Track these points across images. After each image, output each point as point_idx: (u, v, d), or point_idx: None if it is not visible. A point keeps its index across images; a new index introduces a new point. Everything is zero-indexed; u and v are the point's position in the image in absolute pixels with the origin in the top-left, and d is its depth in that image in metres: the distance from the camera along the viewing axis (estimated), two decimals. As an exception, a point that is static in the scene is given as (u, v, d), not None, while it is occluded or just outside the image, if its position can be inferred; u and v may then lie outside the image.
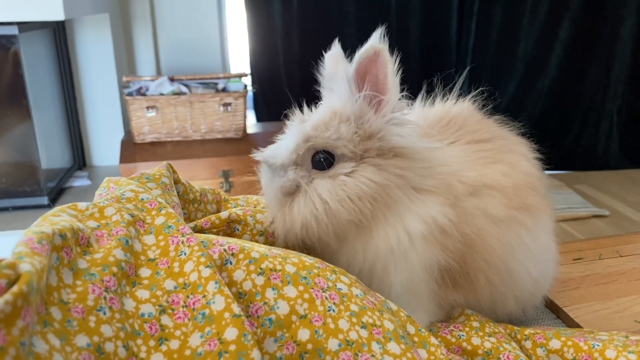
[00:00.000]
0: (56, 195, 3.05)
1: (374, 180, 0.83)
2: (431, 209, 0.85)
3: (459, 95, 1.04)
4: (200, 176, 3.04)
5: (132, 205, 0.74)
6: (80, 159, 3.58)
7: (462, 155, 0.94)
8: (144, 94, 3.15)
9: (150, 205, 0.75)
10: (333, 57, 0.93)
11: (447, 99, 1.04)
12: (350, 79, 0.85)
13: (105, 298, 0.58)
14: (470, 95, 1.04)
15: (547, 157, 1.03)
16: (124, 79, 3.24)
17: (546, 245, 0.98)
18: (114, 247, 0.64)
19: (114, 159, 3.51)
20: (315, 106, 0.92)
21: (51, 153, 3.18)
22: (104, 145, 3.61)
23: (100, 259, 0.62)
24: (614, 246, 1.40)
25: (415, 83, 0.95)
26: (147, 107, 3.15)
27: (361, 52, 0.82)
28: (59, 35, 3.28)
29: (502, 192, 0.90)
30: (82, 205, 0.72)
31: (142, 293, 0.63)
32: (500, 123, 1.04)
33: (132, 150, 3.18)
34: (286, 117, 0.94)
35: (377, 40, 0.82)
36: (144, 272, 0.66)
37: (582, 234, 3.08)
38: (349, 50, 0.89)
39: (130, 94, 3.15)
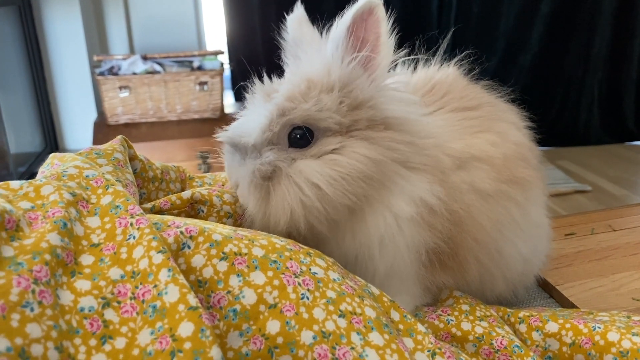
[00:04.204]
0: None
1: (368, 156, 0.73)
2: (420, 188, 0.77)
3: (443, 60, 0.95)
4: (177, 158, 2.94)
5: (75, 183, 0.65)
6: (52, 142, 3.45)
7: (447, 125, 0.85)
8: (116, 74, 3.03)
9: (96, 182, 0.66)
10: (296, 21, 0.83)
11: (431, 64, 0.95)
12: (340, 39, 0.74)
13: (33, 291, 0.49)
14: (455, 60, 0.95)
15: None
16: (95, 57, 3.11)
17: (537, 221, 0.91)
18: (49, 230, 0.55)
19: (87, 142, 3.39)
20: (279, 76, 0.82)
21: (20, 137, 3.05)
22: (77, 128, 3.49)
23: (31, 246, 0.53)
24: (606, 220, 1.34)
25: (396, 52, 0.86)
26: (120, 87, 3.03)
27: (355, 8, 0.72)
28: (24, 12, 3.13)
29: (490, 165, 0.82)
30: (15, 183, 0.63)
31: (82, 284, 0.54)
32: (489, 89, 0.95)
33: (106, 132, 3.06)
34: (244, 89, 0.83)
35: None
36: (86, 259, 0.57)
37: (565, 209, 3.05)
38: (327, 25, 0.79)
39: (101, 74, 3.02)
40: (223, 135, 0.79)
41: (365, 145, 0.74)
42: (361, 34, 0.74)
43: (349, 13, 0.73)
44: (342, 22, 0.74)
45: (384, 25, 0.74)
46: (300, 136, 0.75)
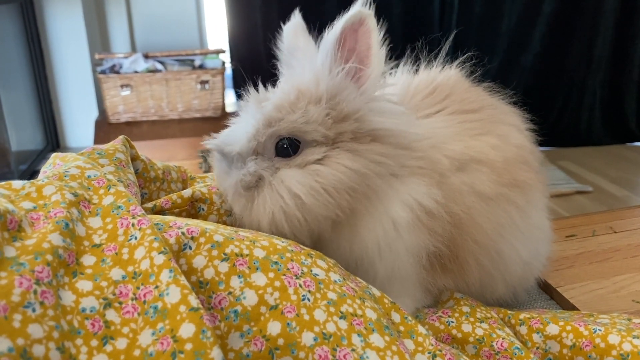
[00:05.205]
0: (29, 179, 2.92)
1: (351, 168, 0.73)
2: (415, 192, 0.77)
3: (445, 62, 0.95)
4: (178, 157, 2.94)
5: (77, 184, 0.65)
6: (53, 140, 3.46)
7: (447, 127, 0.85)
8: (117, 72, 3.03)
9: (98, 183, 0.66)
10: (292, 30, 0.83)
11: (433, 66, 0.95)
12: (330, 50, 0.74)
13: (35, 292, 0.49)
14: (457, 62, 0.95)
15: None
16: (97, 56, 3.11)
17: (538, 224, 0.91)
18: (51, 231, 0.55)
19: (88, 140, 3.39)
20: (273, 85, 0.82)
21: (22, 135, 3.06)
22: (78, 126, 3.49)
23: (33, 246, 0.53)
24: (607, 222, 1.34)
25: (398, 53, 0.86)
26: (121, 86, 3.03)
27: (345, 19, 0.72)
28: (26, 10, 3.13)
29: (491, 167, 0.82)
30: (17, 183, 0.63)
31: (84, 284, 0.54)
32: (490, 91, 0.95)
33: (107, 130, 3.07)
34: (240, 97, 0.83)
35: (362, 6, 0.72)
36: (87, 259, 0.57)
37: (566, 210, 3.04)
38: (330, 25, 0.79)
39: (103, 72, 3.02)
40: (211, 142, 0.79)
41: (349, 156, 0.74)
42: (352, 44, 0.74)
43: (339, 23, 0.72)
44: (332, 33, 0.73)
45: (375, 36, 0.73)
46: (287, 146, 0.75)
